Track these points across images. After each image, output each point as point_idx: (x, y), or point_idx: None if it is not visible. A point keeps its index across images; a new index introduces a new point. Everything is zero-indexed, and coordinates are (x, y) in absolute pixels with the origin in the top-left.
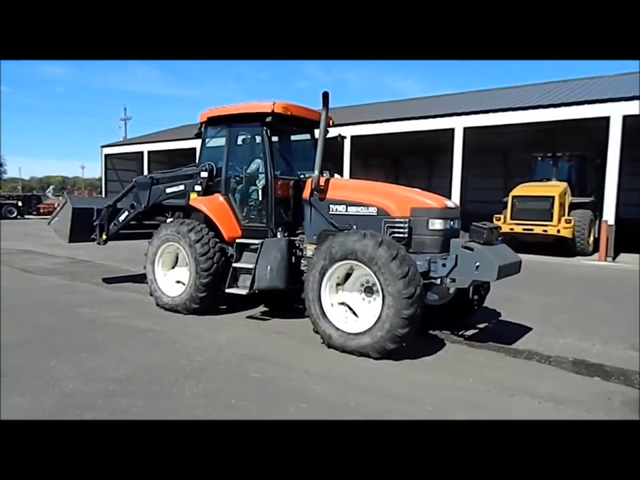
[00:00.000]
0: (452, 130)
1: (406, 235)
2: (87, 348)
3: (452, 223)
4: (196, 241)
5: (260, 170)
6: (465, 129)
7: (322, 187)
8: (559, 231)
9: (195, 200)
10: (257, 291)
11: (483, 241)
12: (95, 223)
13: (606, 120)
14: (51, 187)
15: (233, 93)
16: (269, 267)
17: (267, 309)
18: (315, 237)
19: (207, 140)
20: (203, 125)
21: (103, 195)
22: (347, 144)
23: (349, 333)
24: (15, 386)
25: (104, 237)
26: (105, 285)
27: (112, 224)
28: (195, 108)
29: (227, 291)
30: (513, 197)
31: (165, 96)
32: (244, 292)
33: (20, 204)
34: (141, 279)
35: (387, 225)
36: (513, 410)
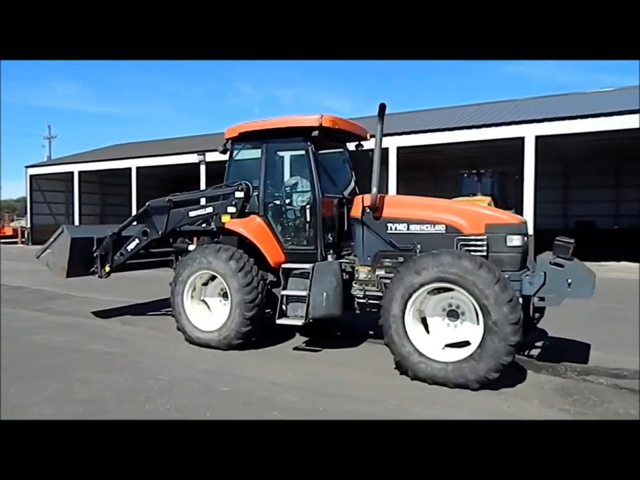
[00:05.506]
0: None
1: (484, 254)
2: (48, 373)
3: (525, 238)
4: (238, 269)
5: (304, 188)
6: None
7: (377, 205)
8: None
9: (231, 223)
10: (311, 320)
11: (569, 256)
12: (95, 254)
13: (521, 140)
14: None
15: (164, 110)
16: (324, 294)
17: (307, 339)
18: (369, 258)
19: (234, 157)
20: (230, 140)
21: (28, 217)
22: (393, 156)
23: (441, 362)
24: None
25: (107, 268)
26: (48, 311)
27: (118, 254)
28: (125, 126)
29: (279, 322)
30: None
31: (92, 113)
32: (299, 322)
33: None
34: (134, 310)
35: (461, 242)
36: None
